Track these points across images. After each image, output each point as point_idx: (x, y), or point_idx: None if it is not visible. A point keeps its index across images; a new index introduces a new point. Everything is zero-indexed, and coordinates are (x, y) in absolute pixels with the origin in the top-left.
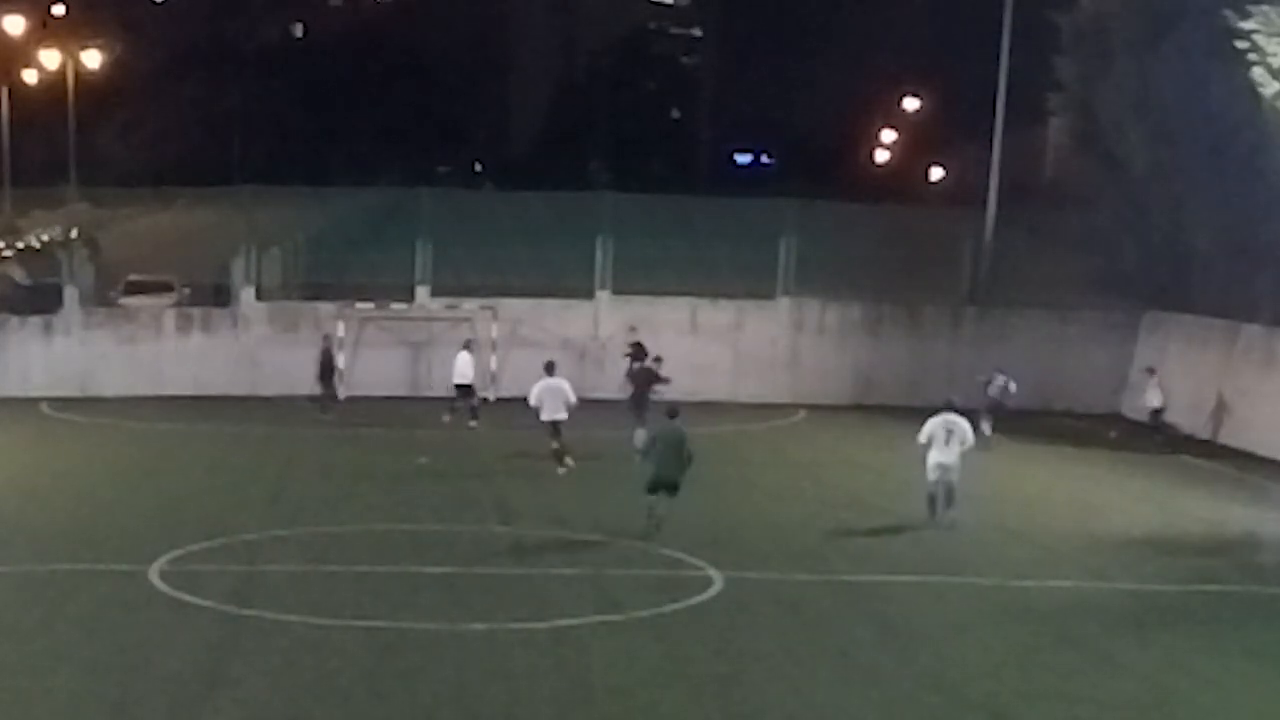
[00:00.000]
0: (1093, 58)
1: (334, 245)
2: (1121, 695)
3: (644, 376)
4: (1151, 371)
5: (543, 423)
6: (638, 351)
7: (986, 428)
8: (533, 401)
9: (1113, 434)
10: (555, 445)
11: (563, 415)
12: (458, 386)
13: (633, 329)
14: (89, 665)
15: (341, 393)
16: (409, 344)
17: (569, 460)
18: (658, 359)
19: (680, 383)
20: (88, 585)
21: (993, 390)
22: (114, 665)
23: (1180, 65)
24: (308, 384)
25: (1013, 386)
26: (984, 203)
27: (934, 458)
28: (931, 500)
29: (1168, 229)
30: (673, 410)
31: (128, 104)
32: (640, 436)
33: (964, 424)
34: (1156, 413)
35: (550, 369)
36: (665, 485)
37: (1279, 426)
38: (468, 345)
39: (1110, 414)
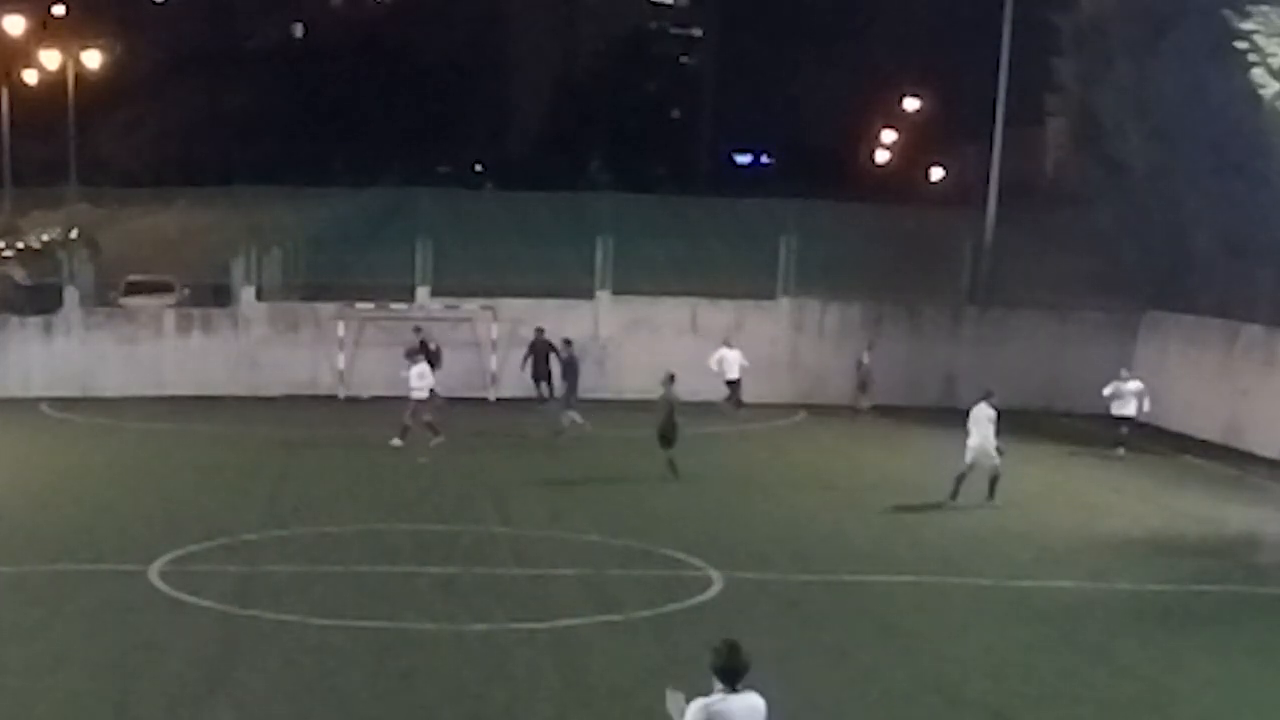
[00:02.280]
0: (1092, 58)
1: (334, 245)
2: (1122, 695)
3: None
4: (1126, 373)
5: (414, 401)
6: (423, 349)
7: (864, 401)
8: (414, 381)
9: (1120, 452)
10: (428, 419)
11: (425, 395)
12: (729, 382)
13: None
14: (89, 665)
15: (341, 393)
16: (409, 344)
17: (399, 442)
18: (567, 341)
19: (682, 382)
20: (88, 585)
21: (861, 370)
22: (114, 665)
23: (1180, 66)
24: (308, 384)
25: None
26: (984, 203)
27: (970, 442)
28: (959, 480)
29: (1168, 229)
30: (669, 376)
31: (128, 104)
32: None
33: (991, 412)
34: (1120, 420)
35: (419, 352)
36: (662, 439)
37: (1279, 426)
38: (728, 342)
39: (1108, 414)
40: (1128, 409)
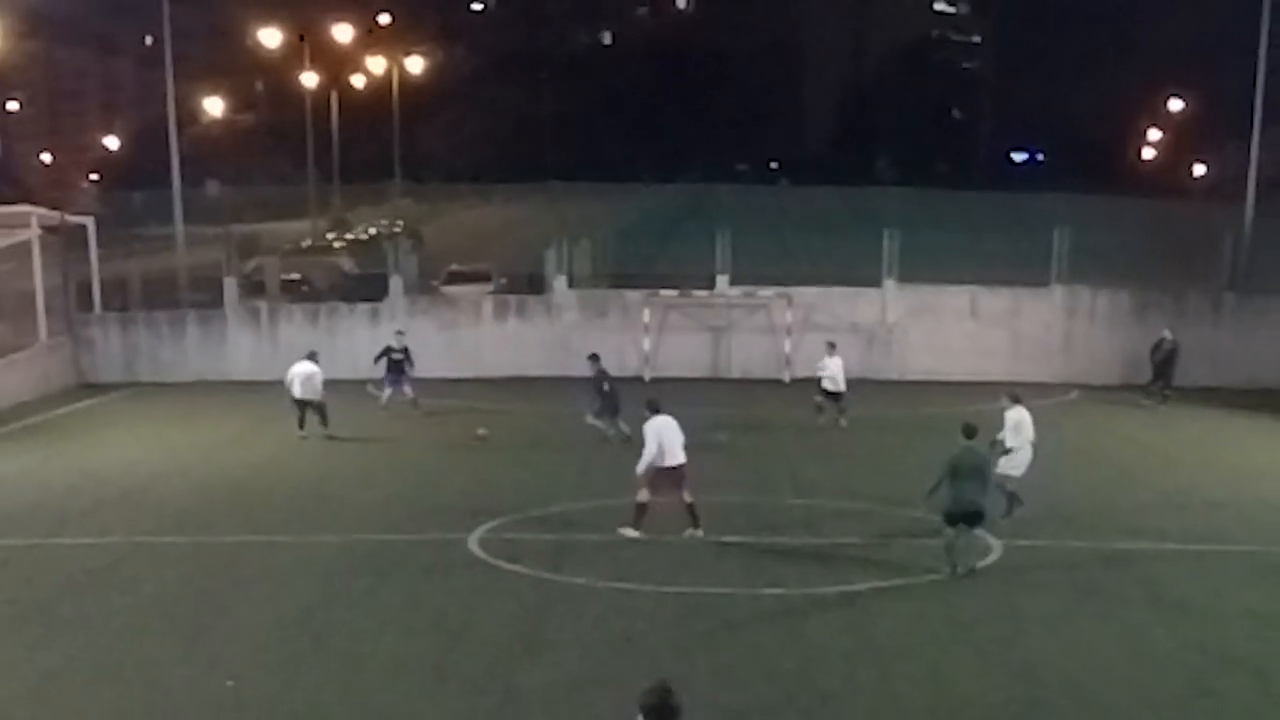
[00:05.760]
0: None
1: (640, 237)
2: None
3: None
4: (832, 346)
5: (298, 400)
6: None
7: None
8: (287, 382)
9: (825, 421)
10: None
11: (316, 397)
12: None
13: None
14: (413, 629)
15: (647, 375)
16: (709, 329)
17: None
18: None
19: (962, 365)
20: (412, 554)
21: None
22: (436, 628)
23: None
24: (615, 366)
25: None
26: (1244, 197)
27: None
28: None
29: None
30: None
31: (448, 106)
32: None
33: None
34: (828, 394)
35: (312, 357)
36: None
37: None
38: (831, 347)
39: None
40: (831, 384)
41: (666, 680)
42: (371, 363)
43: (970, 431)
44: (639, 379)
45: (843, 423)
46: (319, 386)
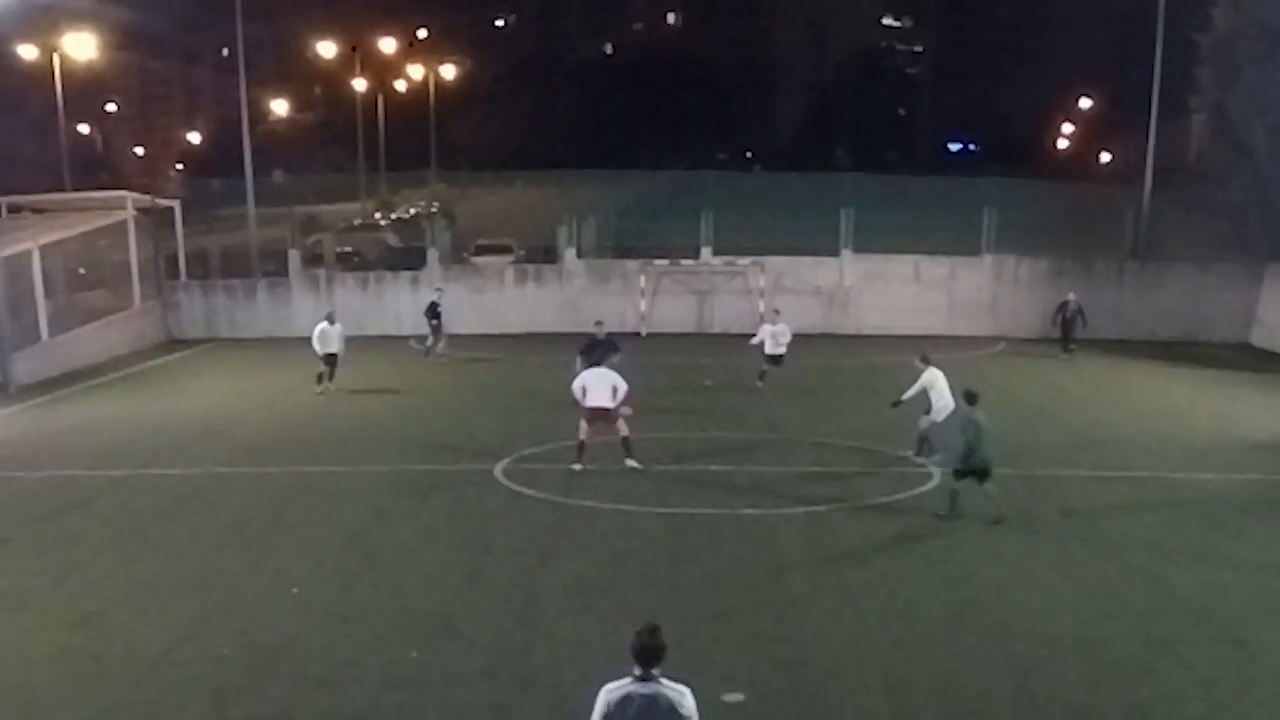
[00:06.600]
0: (1225, 67)
1: (637, 215)
2: (1254, 561)
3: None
4: (777, 313)
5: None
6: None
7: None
8: (315, 339)
9: (760, 384)
10: (326, 369)
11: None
12: (770, 357)
13: (438, 289)
14: (448, 544)
15: (643, 330)
16: (695, 292)
17: (327, 385)
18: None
19: (907, 321)
20: (447, 481)
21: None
22: (467, 543)
23: None
24: (616, 323)
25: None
26: (1142, 180)
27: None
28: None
29: None
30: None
31: (476, 106)
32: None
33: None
34: (771, 358)
35: (329, 317)
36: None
37: None
38: (776, 311)
39: (1239, 344)
40: (778, 349)
41: (654, 624)
42: (423, 317)
43: (972, 398)
44: (636, 334)
45: (759, 384)
46: (326, 343)
